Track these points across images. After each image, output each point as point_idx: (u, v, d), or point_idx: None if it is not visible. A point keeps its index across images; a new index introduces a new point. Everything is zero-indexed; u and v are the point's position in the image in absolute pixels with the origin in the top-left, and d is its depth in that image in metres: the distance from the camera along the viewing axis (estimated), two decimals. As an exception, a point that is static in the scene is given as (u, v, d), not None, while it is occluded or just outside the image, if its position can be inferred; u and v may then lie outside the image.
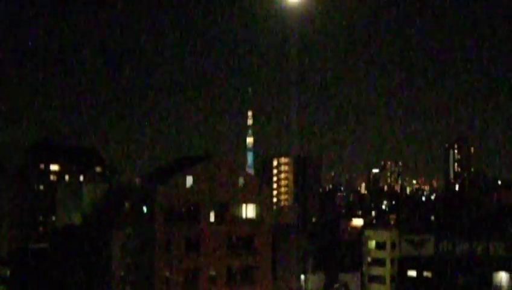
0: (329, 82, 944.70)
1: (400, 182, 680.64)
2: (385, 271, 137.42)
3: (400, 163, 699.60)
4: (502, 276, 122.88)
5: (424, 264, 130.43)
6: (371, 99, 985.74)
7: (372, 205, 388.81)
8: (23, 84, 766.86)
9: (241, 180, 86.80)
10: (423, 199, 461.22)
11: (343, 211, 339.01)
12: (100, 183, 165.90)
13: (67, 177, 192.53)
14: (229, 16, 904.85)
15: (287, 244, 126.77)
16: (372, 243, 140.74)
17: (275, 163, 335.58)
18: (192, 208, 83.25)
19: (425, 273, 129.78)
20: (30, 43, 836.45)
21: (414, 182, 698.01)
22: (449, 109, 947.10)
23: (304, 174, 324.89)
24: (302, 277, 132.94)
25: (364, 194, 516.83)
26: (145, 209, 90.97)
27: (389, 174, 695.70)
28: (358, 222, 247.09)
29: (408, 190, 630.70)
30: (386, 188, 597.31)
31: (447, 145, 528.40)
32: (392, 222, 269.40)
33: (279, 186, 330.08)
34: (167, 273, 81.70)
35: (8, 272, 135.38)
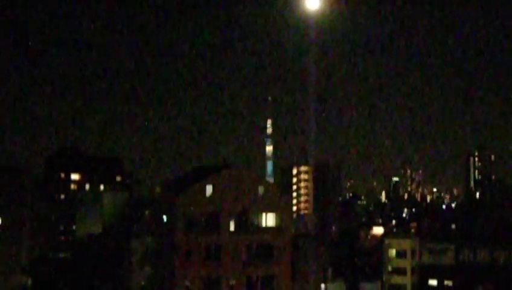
0: (349, 90, 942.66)
1: (420, 190, 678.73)
2: (406, 280, 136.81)
3: (420, 171, 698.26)
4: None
5: (445, 273, 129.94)
6: (391, 106, 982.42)
7: (393, 213, 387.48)
8: (45, 93, 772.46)
9: (260, 189, 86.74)
10: (444, 207, 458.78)
11: (363, 219, 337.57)
12: (120, 193, 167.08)
13: (87, 186, 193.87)
14: (248, 25, 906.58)
15: (307, 253, 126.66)
16: (393, 252, 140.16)
17: (294, 171, 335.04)
18: (212, 217, 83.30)
19: (446, 282, 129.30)
20: (51, 52, 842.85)
21: (435, 190, 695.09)
22: (470, 116, 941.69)
23: (324, 183, 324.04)
24: (323, 285, 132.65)
25: (384, 202, 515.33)
26: (165, 218, 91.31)
27: (409, 182, 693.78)
28: (378, 230, 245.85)
29: (428, 198, 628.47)
30: (406, 196, 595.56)
31: (467, 153, 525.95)
32: (413, 231, 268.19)
33: (298, 195, 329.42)
34: (187, 283, 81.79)
35: (30, 282, 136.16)
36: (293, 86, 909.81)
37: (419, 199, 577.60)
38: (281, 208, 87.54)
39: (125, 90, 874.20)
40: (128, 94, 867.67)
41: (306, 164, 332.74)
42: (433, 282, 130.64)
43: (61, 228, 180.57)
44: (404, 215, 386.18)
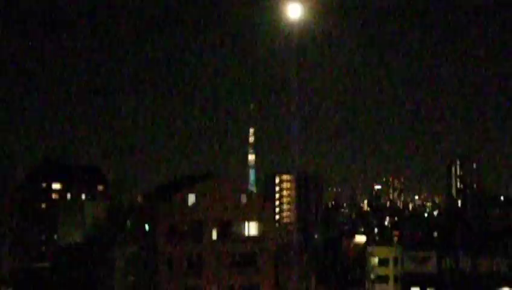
0: (331, 98, 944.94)
1: (402, 198, 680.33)
2: (388, 288, 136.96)
3: (402, 179, 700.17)
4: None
5: (427, 281, 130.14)
6: (373, 115, 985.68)
7: (375, 221, 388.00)
8: (24, 100, 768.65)
9: (243, 198, 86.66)
10: (426, 215, 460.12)
11: (346, 227, 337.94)
12: (102, 202, 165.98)
13: (69, 195, 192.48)
14: (230, 33, 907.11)
15: (289, 262, 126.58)
16: (375, 260, 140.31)
17: (277, 180, 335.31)
18: (194, 226, 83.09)
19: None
20: (32, 58, 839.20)
21: (416, 198, 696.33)
22: (451, 124, 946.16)
23: (306, 191, 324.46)
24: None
25: (366, 210, 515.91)
26: (147, 227, 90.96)
27: (391, 190, 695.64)
28: (360, 238, 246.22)
29: (410, 206, 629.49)
30: (388, 204, 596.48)
31: (449, 161, 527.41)
32: (395, 239, 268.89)
33: (281, 203, 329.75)
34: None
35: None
36: (275, 95, 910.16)
37: (401, 207, 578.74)
38: (264, 217, 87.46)
39: (106, 98, 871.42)
40: (109, 102, 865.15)
41: (289, 172, 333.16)
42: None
43: (43, 237, 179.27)
44: (386, 223, 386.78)
